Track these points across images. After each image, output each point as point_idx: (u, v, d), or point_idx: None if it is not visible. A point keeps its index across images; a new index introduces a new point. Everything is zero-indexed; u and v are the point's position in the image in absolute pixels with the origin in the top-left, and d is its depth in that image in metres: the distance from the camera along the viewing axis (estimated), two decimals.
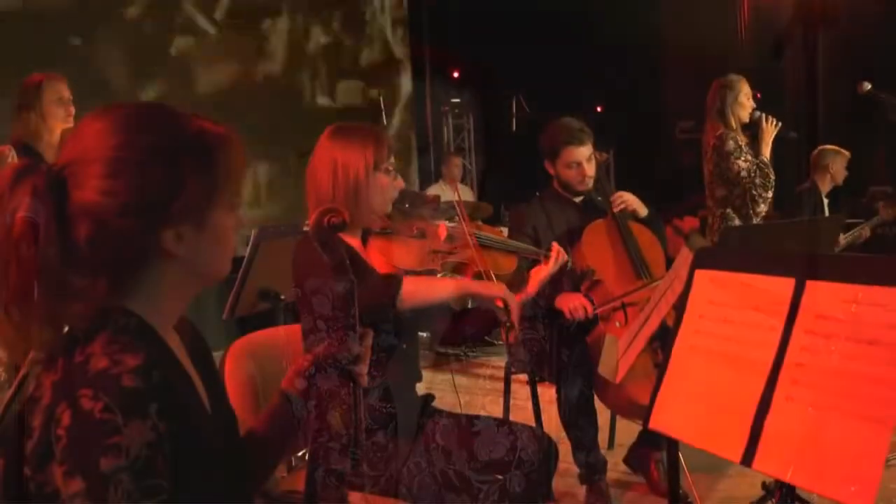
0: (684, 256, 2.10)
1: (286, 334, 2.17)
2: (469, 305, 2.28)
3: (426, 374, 2.28)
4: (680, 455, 2.17)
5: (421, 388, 2.15)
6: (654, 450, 3.01)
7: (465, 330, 5.32)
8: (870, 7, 7.10)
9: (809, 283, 1.33)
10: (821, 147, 5.23)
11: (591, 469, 2.78)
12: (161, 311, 1.07)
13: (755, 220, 3.69)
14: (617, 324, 2.74)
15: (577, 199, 3.11)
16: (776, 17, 8.09)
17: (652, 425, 1.50)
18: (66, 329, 0.99)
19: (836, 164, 5.08)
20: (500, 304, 1.97)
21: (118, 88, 5.16)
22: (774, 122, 3.64)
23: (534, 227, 3.02)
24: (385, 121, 6.06)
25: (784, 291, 1.36)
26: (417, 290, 1.89)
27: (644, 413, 1.54)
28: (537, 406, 3.15)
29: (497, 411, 3.33)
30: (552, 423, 2.90)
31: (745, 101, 3.69)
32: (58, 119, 3.32)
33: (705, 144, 3.83)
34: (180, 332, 1.15)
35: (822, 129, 7.33)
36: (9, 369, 2.80)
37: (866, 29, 7.10)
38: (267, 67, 6.69)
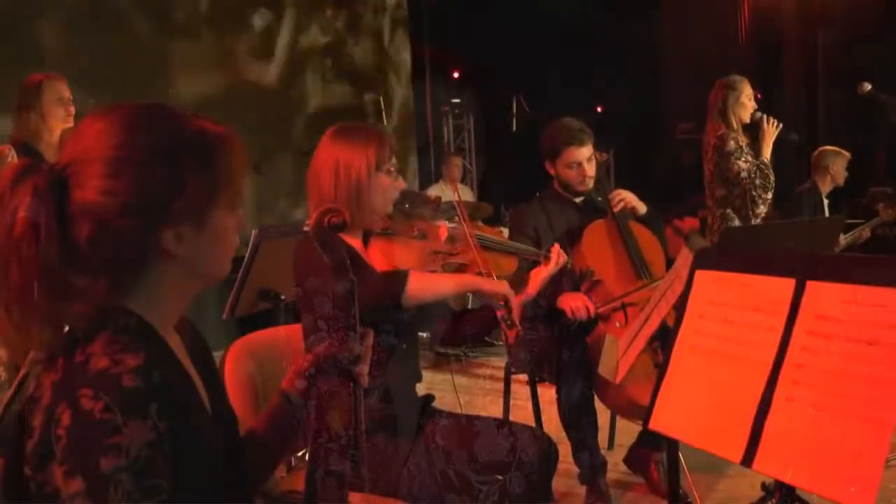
0: (684, 257, 2.11)
1: (286, 334, 2.17)
2: (469, 305, 2.28)
3: (426, 374, 2.28)
4: (680, 455, 2.17)
5: (421, 389, 2.15)
6: (654, 450, 3.01)
7: (465, 330, 5.32)
8: (870, 7, 7.10)
9: (810, 284, 1.33)
10: (821, 148, 5.24)
11: (591, 469, 2.78)
12: (161, 310, 1.07)
13: (755, 221, 3.69)
14: (617, 324, 2.74)
15: (578, 200, 3.11)
16: (776, 18, 8.09)
17: (652, 425, 1.50)
18: (67, 329, 0.99)
19: (836, 165, 5.09)
20: (502, 301, 1.97)
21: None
22: (775, 124, 3.64)
23: (534, 228, 3.02)
24: (385, 121, 6.05)
25: (784, 292, 1.36)
26: (423, 286, 1.89)
27: (644, 413, 1.54)
28: (537, 406, 3.15)
29: (497, 411, 3.33)
30: (552, 424, 2.90)
31: (746, 102, 3.69)
32: (58, 119, 3.32)
33: (706, 144, 3.83)
34: (180, 331, 1.15)
35: (822, 129, 7.34)
36: (9, 369, 2.80)
37: (866, 29, 7.10)
38: (267, 67, 6.69)
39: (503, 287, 1.96)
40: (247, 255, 2.80)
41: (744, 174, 3.63)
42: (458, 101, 8.66)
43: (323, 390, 1.26)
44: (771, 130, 3.63)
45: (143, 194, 1.00)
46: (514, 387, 3.29)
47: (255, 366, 2.02)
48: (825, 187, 5.12)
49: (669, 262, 2.83)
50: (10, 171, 0.98)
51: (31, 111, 3.28)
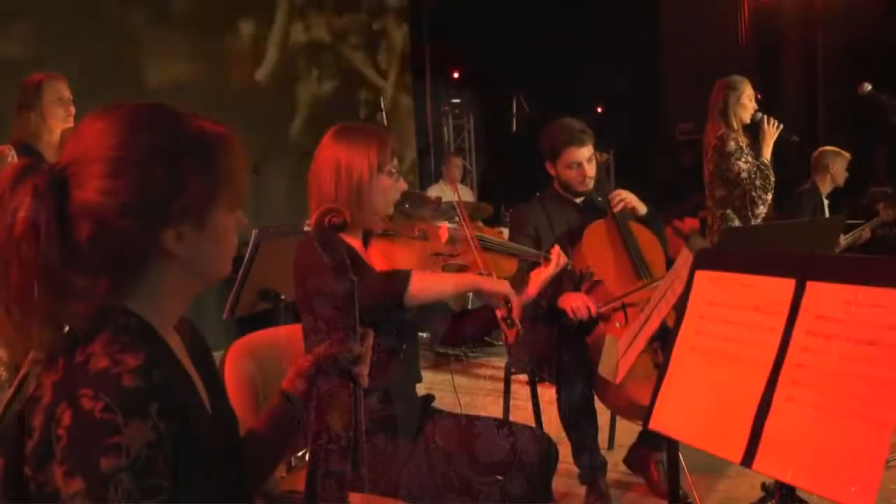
0: (684, 257, 2.11)
1: (286, 334, 2.17)
2: (469, 306, 2.28)
3: (426, 374, 2.28)
4: (680, 456, 2.17)
5: (421, 389, 2.15)
6: (654, 450, 3.01)
7: (466, 330, 5.32)
8: (870, 7, 7.10)
9: (810, 284, 1.33)
10: (821, 148, 5.24)
11: (591, 469, 2.77)
12: (161, 310, 1.07)
13: (754, 222, 3.69)
14: (617, 324, 2.74)
15: (578, 200, 3.11)
16: (776, 18, 8.09)
17: (652, 426, 1.50)
18: (67, 329, 0.99)
19: (836, 165, 5.09)
20: (503, 301, 1.96)
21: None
22: (776, 125, 3.64)
23: (535, 228, 3.02)
24: (385, 121, 6.05)
25: (784, 292, 1.36)
26: (424, 286, 1.89)
27: (644, 413, 1.54)
28: (537, 406, 3.15)
29: (497, 412, 3.33)
30: (552, 424, 2.90)
31: (747, 103, 3.69)
32: (58, 119, 3.32)
33: (706, 144, 3.83)
34: (181, 331, 1.15)
35: (822, 130, 7.34)
36: (9, 368, 2.80)
37: (866, 29, 7.10)
38: (264, 68, 6.70)
39: (504, 286, 1.96)
40: (247, 255, 2.79)
41: (744, 175, 3.63)
42: (458, 101, 8.65)
43: (323, 391, 1.26)
44: (771, 131, 3.63)
45: (144, 194, 1.00)
46: (514, 387, 3.29)
47: (255, 366, 2.02)
48: (825, 188, 5.12)
49: (669, 263, 2.83)
50: (10, 171, 0.98)
51: (31, 111, 3.28)
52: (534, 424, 2.95)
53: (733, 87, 3.70)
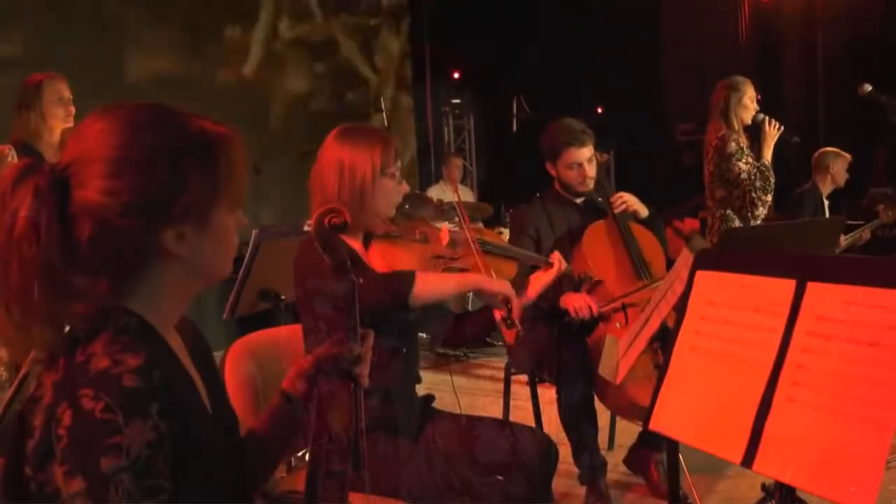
0: (685, 257, 2.10)
1: (286, 334, 2.17)
2: (469, 308, 2.28)
3: (426, 374, 2.28)
4: (680, 456, 2.17)
5: (421, 389, 2.15)
6: (654, 451, 3.01)
7: (466, 331, 5.32)
8: (870, 7, 7.10)
9: (810, 285, 1.33)
10: (822, 149, 5.24)
11: (591, 470, 2.77)
12: (162, 310, 1.07)
13: (754, 223, 3.69)
14: (617, 324, 2.74)
15: (578, 200, 3.12)
16: (776, 18, 8.09)
17: (652, 426, 1.50)
18: (67, 328, 0.99)
19: (836, 166, 5.09)
20: (504, 301, 1.96)
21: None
22: (777, 126, 3.63)
23: (535, 228, 3.02)
24: (385, 121, 6.04)
25: (785, 293, 1.36)
26: (429, 286, 1.88)
27: (644, 414, 1.54)
28: (537, 407, 3.15)
29: (497, 412, 3.33)
30: (552, 424, 2.90)
31: (748, 104, 3.69)
32: (58, 119, 3.32)
33: (707, 145, 3.83)
34: (181, 331, 1.15)
35: (822, 130, 7.34)
36: (10, 368, 2.80)
37: (866, 29, 7.10)
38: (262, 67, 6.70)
39: (506, 287, 1.96)
40: (247, 255, 2.80)
41: (744, 175, 3.63)
42: (458, 101, 8.65)
43: (323, 391, 1.26)
44: (772, 132, 3.63)
45: (145, 194, 1.00)
46: (514, 387, 3.29)
47: (255, 366, 2.02)
48: (825, 188, 5.13)
49: (670, 263, 2.83)
50: (11, 171, 0.98)
51: (31, 111, 3.28)
52: (534, 425, 2.95)
53: (735, 88, 3.70)
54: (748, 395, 1.33)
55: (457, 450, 1.96)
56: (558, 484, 2.31)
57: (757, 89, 3.76)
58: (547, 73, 8.01)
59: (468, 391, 4.59)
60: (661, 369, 1.54)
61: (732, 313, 1.45)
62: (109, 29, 5.33)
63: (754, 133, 3.71)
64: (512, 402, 3.25)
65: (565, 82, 7.86)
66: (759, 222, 3.71)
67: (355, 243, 2.01)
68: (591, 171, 3.02)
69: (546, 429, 2.77)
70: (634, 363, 2.14)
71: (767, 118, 3.66)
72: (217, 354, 1.49)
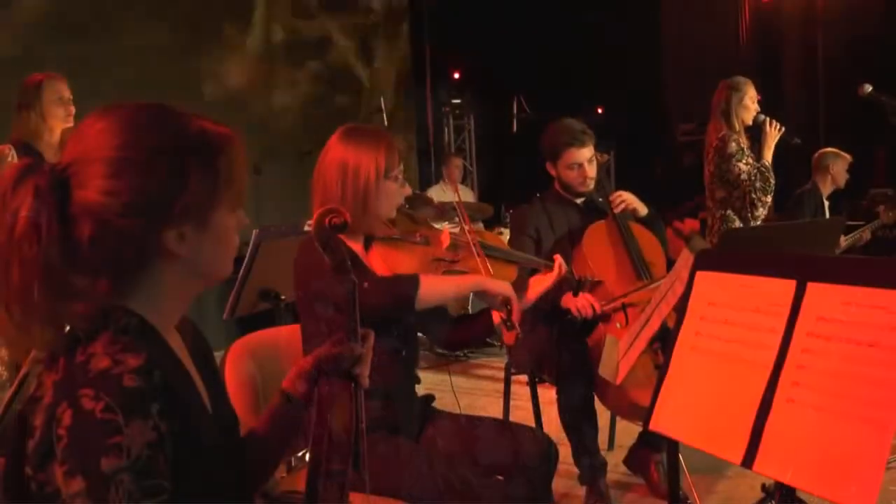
0: (685, 258, 2.10)
1: (286, 334, 2.17)
2: (470, 309, 2.28)
3: (426, 375, 2.28)
4: (680, 456, 2.17)
5: (420, 390, 2.15)
6: (654, 451, 3.01)
7: (466, 334, 5.30)
8: (870, 7, 7.10)
9: (810, 285, 1.33)
10: (822, 150, 5.25)
11: (591, 470, 2.77)
12: (162, 311, 1.07)
13: (754, 223, 3.69)
14: (618, 325, 2.74)
15: (579, 201, 3.12)
16: (776, 18, 8.09)
17: (652, 427, 1.50)
18: (68, 328, 0.99)
19: (836, 167, 5.10)
20: (504, 302, 1.97)
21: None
22: (778, 127, 3.63)
23: (535, 228, 3.02)
24: (385, 122, 6.05)
25: (785, 293, 1.36)
26: (433, 289, 1.89)
27: (644, 414, 1.54)
28: (537, 407, 3.15)
29: (497, 412, 3.33)
30: (552, 425, 2.90)
31: (749, 104, 3.69)
32: (58, 119, 3.32)
33: (707, 145, 3.83)
34: (182, 331, 1.15)
35: (822, 131, 7.34)
36: (10, 368, 2.80)
37: (866, 29, 7.10)
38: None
39: (507, 288, 1.96)
40: (247, 255, 2.79)
41: (744, 176, 3.63)
42: (458, 101, 8.65)
43: (324, 391, 1.26)
44: (773, 133, 3.63)
45: (145, 194, 1.00)
46: (514, 387, 3.29)
47: (255, 366, 2.02)
48: (826, 189, 5.13)
49: (670, 264, 2.84)
50: (11, 171, 0.98)
51: (31, 111, 3.28)
52: (534, 425, 2.95)
53: (736, 88, 3.70)
54: (748, 395, 1.33)
55: (457, 450, 1.96)
56: (558, 484, 2.31)
57: (757, 89, 3.76)
58: (547, 73, 8.01)
59: (468, 391, 4.58)
60: (662, 370, 1.54)
61: (732, 314, 1.45)
62: (110, 29, 5.33)
63: (755, 134, 3.71)
64: (512, 402, 3.25)
65: (565, 82, 7.87)
66: (758, 223, 3.71)
67: (356, 245, 2.01)
68: (592, 171, 3.02)
69: (546, 429, 2.77)
70: (635, 363, 2.14)
71: (768, 119, 3.66)
72: (217, 354, 1.49)
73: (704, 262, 1.57)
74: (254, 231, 2.79)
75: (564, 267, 2.31)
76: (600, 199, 3.12)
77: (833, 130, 6.96)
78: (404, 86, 8.33)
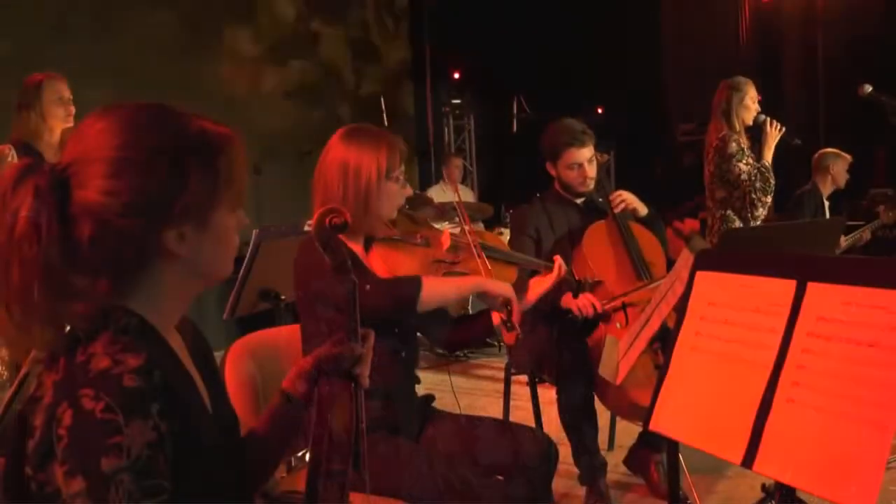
0: (685, 258, 2.10)
1: (286, 334, 2.17)
2: (470, 310, 2.28)
3: (426, 375, 2.28)
4: (680, 456, 2.17)
5: (420, 390, 2.15)
6: (654, 451, 3.01)
7: (466, 335, 5.30)
8: (870, 7, 7.10)
9: (810, 285, 1.33)
10: (822, 150, 5.25)
11: (591, 470, 2.78)
12: (162, 311, 1.07)
13: (754, 224, 3.69)
14: (618, 325, 2.74)
15: (579, 201, 3.12)
16: (776, 18, 8.09)
17: (652, 427, 1.50)
18: (68, 328, 0.99)
19: (836, 167, 5.10)
20: (504, 303, 1.97)
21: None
22: (778, 127, 3.63)
23: (535, 228, 3.02)
24: (385, 122, 6.04)
25: (785, 293, 1.36)
26: (435, 291, 1.89)
27: (644, 414, 1.54)
28: (537, 407, 3.15)
29: (497, 412, 3.33)
30: (552, 425, 2.90)
31: (750, 105, 3.69)
32: (58, 118, 3.32)
33: (707, 145, 3.83)
34: (182, 331, 1.15)
35: (822, 131, 7.34)
36: (10, 367, 2.80)
37: (866, 29, 7.10)
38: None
39: (508, 289, 1.96)
40: (247, 255, 2.79)
41: (744, 176, 3.63)
42: (458, 101, 8.65)
43: (324, 391, 1.26)
44: (774, 134, 3.63)
45: (145, 194, 1.00)
46: (514, 387, 3.29)
47: (255, 366, 2.02)
48: (826, 189, 5.13)
49: (670, 264, 2.84)
50: (11, 171, 0.98)
51: (31, 111, 3.28)
52: (534, 425, 2.95)
53: (737, 88, 3.70)
54: (748, 395, 1.33)
55: (457, 450, 1.96)
56: (558, 484, 2.31)
57: (757, 89, 3.77)
58: (547, 73, 8.01)
59: (468, 391, 4.58)
60: (662, 370, 1.54)
61: (733, 314, 1.45)
62: (110, 29, 5.33)
63: (755, 134, 3.71)
64: (512, 403, 3.25)
65: (565, 82, 7.87)
66: (758, 223, 3.71)
67: (356, 246, 2.01)
68: (592, 171, 3.02)
69: (546, 429, 2.77)
70: (635, 364, 2.14)
71: (769, 119, 3.66)
72: (217, 354, 1.49)
73: (704, 262, 1.57)
74: (254, 231, 2.79)
75: (564, 268, 2.31)
76: (600, 199, 3.12)
77: (833, 130, 6.96)
78: (404, 86, 8.32)
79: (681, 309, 1.56)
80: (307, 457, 1.32)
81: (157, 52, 5.56)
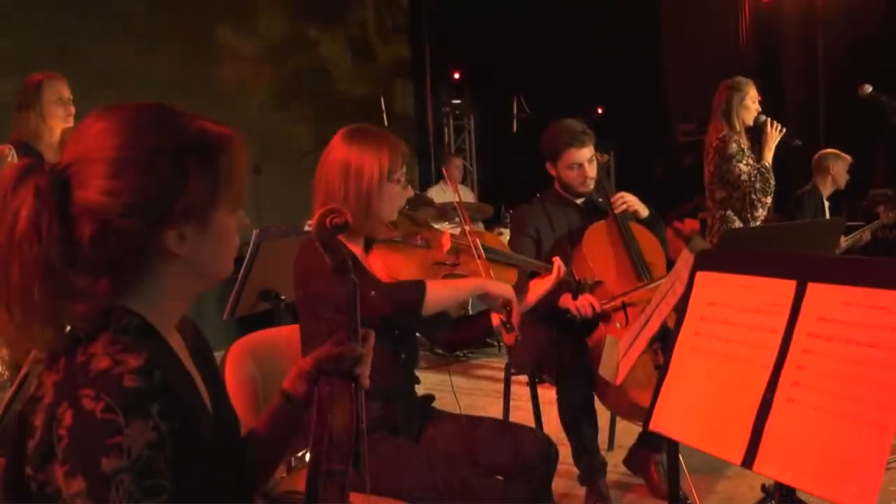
0: (685, 258, 2.10)
1: (286, 334, 2.17)
2: (470, 311, 2.28)
3: (426, 375, 2.28)
4: (680, 457, 2.17)
5: (421, 390, 2.15)
6: (654, 451, 3.01)
7: (466, 335, 5.30)
8: (870, 7, 7.09)
9: (810, 286, 1.33)
10: (822, 150, 5.25)
11: (591, 470, 2.78)
12: (163, 311, 1.07)
13: (753, 224, 3.69)
14: (617, 325, 2.74)
15: (579, 201, 3.12)
16: (776, 18, 8.09)
17: (652, 427, 1.50)
18: (68, 328, 0.99)
19: (836, 167, 5.10)
20: (505, 304, 1.97)
21: None
22: (779, 128, 3.63)
23: (535, 228, 3.02)
24: (385, 122, 6.04)
25: (785, 293, 1.36)
26: (439, 294, 1.89)
27: (644, 414, 1.54)
28: (537, 407, 3.15)
29: (497, 412, 3.33)
30: (552, 425, 2.90)
31: (750, 105, 3.69)
32: (58, 119, 3.32)
33: (707, 146, 3.83)
34: (182, 332, 1.15)
35: (822, 131, 7.33)
36: (10, 367, 2.80)
37: (866, 29, 7.10)
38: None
39: (508, 290, 1.97)
40: (247, 256, 2.79)
41: (744, 177, 3.63)
42: (458, 101, 8.65)
43: (324, 391, 1.26)
44: (774, 134, 3.63)
45: (146, 194, 1.00)
46: (514, 388, 3.29)
47: (256, 366, 2.02)
48: (826, 189, 5.13)
49: (670, 264, 2.84)
50: (11, 171, 0.98)
51: (31, 111, 3.28)
52: (534, 425, 2.95)
53: (737, 89, 3.70)
54: (748, 395, 1.33)
55: (457, 450, 1.96)
56: (558, 484, 2.31)
57: (757, 90, 3.77)
58: (547, 73, 8.01)
59: (468, 391, 4.58)
60: (662, 370, 1.54)
61: (733, 314, 1.45)
62: (110, 29, 5.33)
63: (756, 134, 3.71)
64: (512, 403, 3.25)
65: (565, 82, 7.87)
66: (758, 223, 3.71)
67: (356, 248, 2.01)
68: (592, 171, 3.02)
69: (546, 429, 2.77)
70: (635, 364, 2.14)
71: (769, 120, 3.66)
72: (217, 354, 1.49)
73: (704, 262, 1.57)
74: (254, 231, 2.79)
75: (563, 269, 2.31)
76: (600, 200, 3.12)
77: (833, 131, 6.96)
78: (404, 86, 8.32)
79: (681, 309, 1.56)
80: (307, 457, 1.32)
81: (156, 52, 5.56)
